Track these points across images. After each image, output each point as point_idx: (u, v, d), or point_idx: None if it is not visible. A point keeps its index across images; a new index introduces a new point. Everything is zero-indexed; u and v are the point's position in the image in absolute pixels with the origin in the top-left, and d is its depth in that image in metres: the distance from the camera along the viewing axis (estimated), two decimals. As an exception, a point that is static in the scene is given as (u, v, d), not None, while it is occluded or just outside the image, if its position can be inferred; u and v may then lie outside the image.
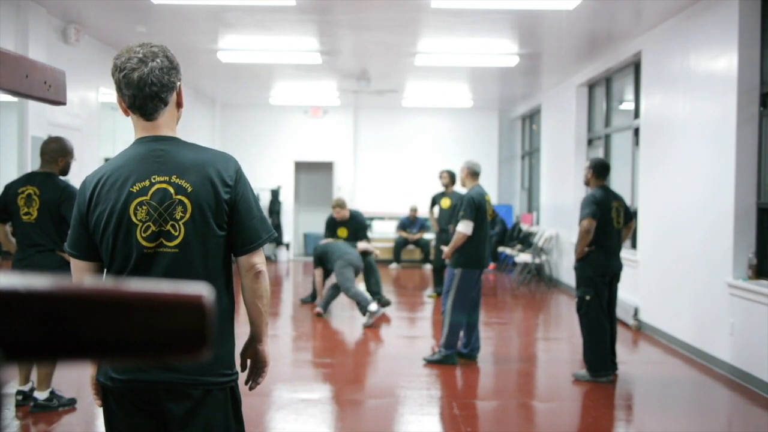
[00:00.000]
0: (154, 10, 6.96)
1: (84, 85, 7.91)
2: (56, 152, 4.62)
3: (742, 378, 5.57)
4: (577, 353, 6.21)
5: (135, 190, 1.99)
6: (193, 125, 12.26)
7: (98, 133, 8.49)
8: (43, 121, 6.76)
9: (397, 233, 13.55)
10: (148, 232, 1.98)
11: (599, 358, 5.56)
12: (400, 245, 13.45)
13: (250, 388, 2.24)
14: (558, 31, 7.78)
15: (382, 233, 13.97)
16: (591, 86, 10.06)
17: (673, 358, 6.45)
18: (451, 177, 9.43)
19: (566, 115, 10.61)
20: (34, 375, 4.74)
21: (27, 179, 4.63)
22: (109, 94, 8.94)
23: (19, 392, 4.67)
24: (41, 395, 4.61)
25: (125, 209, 1.99)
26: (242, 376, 2.22)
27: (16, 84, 1.26)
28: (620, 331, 6.98)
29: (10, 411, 4.59)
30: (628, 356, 6.57)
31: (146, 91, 1.99)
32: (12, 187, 4.60)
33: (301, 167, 14.99)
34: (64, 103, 1.45)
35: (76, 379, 5.28)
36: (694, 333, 6.42)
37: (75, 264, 2.11)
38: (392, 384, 5.63)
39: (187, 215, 1.99)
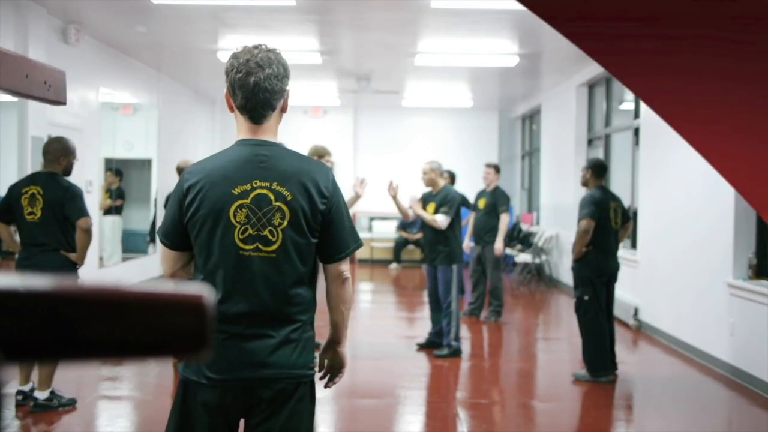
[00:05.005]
0: (154, 10, 6.96)
1: (84, 85, 7.91)
2: (59, 152, 4.64)
3: (742, 378, 5.57)
4: (577, 353, 6.20)
5: (236, 193, 2.03)
6: (193, 125, 12.27)
7: (98, 133, 8.49)
8: (43, 121, 6.76)
9: (397, 233, 13.55)
10: (246, 234, 2.03)
11: (599, 358, 5.56)
12: (400, 245, 13.46)
13: (326, 386, 2.34)
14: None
15: (382, 233, 13.97)
16: (591, 86, 10.06)
17: (673, 358, 6.45)
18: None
19: (566, 115, 10.61)
20: (34, 375, 4.74)
21: (30, 179, 4.65)
22: (109, 94, 8.94)
23: (19, 392, 4.67)
24: (41, 395, 4.62)
25: (225, 210, 2.03)
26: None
27: (16, 84, 1.26)
28: (620, 331, 6.98)
29: (10, 411, 4.59)
30: (628, 356, 6.57)
31: (259, 96, 2.04)
32: (16, 188, 4.62)
33: (301, 167, 14.99)
34: (64, 103, 1.45)
35: (76, 379, 5.28)
36: (694, 333, 6.42)
37: (166, 252, 2.15)
38: (392, 384, 5.63)
39: (285, 222, 2.03)
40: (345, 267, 2.17)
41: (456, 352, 6.26)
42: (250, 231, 2.02)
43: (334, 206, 2.11)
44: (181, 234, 2.10)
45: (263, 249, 2.03)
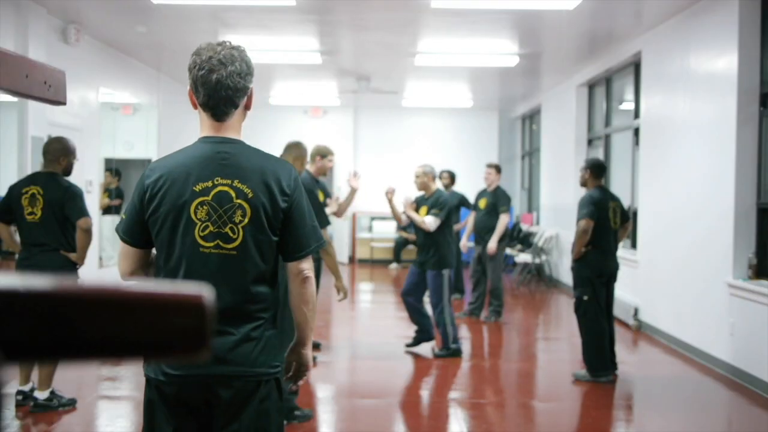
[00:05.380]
0: (154, 10, 6.95)
1: (84, 85, 7.91)
2: (58, 152, 4.64)
3: (742, 378, 5.57)
4: (577, 353, 6.20)
5: (197, 190, 2.03)
6: (193, 125, 12.25)
7: (98, 133, 8.49)
8: (43, 121, 6.75)
9: (397, 233, 13.55)
10: (206, 231, 2.03)
11: (599, 358, 5.56)
12: (400, 245, 13.45)
13: (289, 389, 2.32)
14: (558, 31, 7.77)
15: (382, 233, 13.97)
16: (591, 86, 10.06)
17: (673, 358, 6.45)
18: (452, 177, 9.45)
19: (566, 115, 10.61)
20: (34, 375, 4.74)
21: (31, 179, 4.66)
22: (109, 94, 8.94)
23: (19, 392, 4.67)
24: (41, 395, 4.62)
25: (186, 207, 2.03)
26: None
27: (16, 84, 1.26)
28: (620, 331, 6.99)
29: (10, 411, 4.59)
30: (628, 356, 6.57)
31: (221, 94, 2.04)
32: (16, 188, 4.62)
33: (301, 167, 14.99)
34: (64, 103, 1.45)
35: (76, 379, 5.28)
36: (694, 333, 6.42)
37: (126, 250, 2.13)
38: (392, 384, 5.63)
39: (246, 220, 2.04)
40: (306, 266, 2.15)
41: (456, 353, 6.26)
42: (211, 228, 2.02)
43: (296, 204, 2.10)
44: (142, 231, 2.09)
45: (224, 246, 2.03)
